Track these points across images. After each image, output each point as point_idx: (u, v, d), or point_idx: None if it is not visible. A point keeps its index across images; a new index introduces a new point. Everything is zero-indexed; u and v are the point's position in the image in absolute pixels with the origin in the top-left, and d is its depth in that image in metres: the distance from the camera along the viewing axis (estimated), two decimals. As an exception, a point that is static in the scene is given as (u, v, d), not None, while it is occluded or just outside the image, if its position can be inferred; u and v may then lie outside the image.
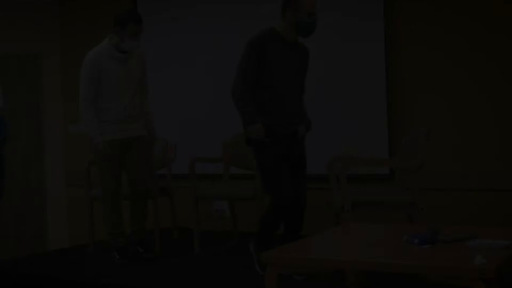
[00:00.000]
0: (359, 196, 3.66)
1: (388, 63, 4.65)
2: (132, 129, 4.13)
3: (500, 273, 1.99)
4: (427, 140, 3.60)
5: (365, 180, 4.74)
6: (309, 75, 4.97)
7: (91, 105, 4.04)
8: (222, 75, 5.39)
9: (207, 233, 5.21)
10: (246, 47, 3.59)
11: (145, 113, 4.24)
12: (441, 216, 4.35)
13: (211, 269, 3.91)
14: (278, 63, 3.56)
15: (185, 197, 5.28)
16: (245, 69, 3.56)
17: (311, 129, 3.77)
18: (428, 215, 3.57)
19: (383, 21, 4.64)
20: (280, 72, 3.57)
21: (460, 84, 4.47)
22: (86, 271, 3.97)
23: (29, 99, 6.24)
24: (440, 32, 4.52)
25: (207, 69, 5.47)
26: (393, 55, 4.67)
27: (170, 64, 5.67)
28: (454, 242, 2.36)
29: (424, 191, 3.77)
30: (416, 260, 2.11)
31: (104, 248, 4.46)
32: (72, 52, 6.26)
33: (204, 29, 5.47)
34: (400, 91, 4.67)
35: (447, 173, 4.48)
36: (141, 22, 4.02)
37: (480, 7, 4.38)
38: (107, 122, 4.06)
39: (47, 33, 6.30)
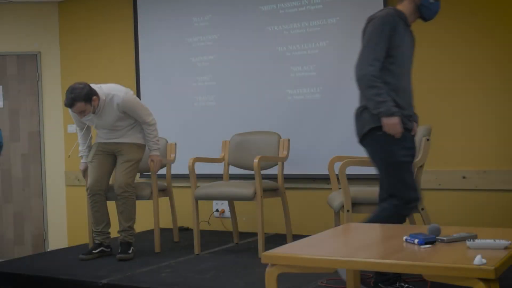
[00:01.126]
0: (359, 196, 3.66)
1: (388, 63, 4.65)
2: (117, 138, 4.39)
3: (500, 273, 1.99)
4: (427, 140, 3.59)
5: (365, 180, 4.75)
6: (311, 74, 4.99)
7: (80, 138, 4.53)
8: (222, 75, 5.40)
9: (207, 233, 5.22)
10: (377, 26, 3.09)
11: (146, 140, 4.46)
12: (441, 216, 4.35)
13: (211, 269, 3.91)
14: (403, 48, 3.14)
15: (185, 197, 5.29)
16: (375, 50, 3.06)
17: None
18: (428, 215, 3.57)
19: (383, 21, 4.64)
20: (404, 59, 3.16)
21: (460, 84, 4.47)
22: (86, 271, 3.97)
23: (29, 99, 6.25)
24: (440, 32, 4.52)
25: (207, 69, 5.47)
26: (393, 55, 4.67)
27: (170, 64, 5.67)
28: (454, 242, 2.36)
29: (424, 191, 3.76)
30: (416, 260, 2.11)
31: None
32: (71, 52, 6.27)
33: (205, 30, 5.47)
34: (400, 91, 4.66)
35: (447, 173, 4.48)
36: (69, 106, 4.15)
37: (481, 7, 4.38)
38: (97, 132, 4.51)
39: (46, 33, 6.30)
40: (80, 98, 4.08)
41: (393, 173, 3.13)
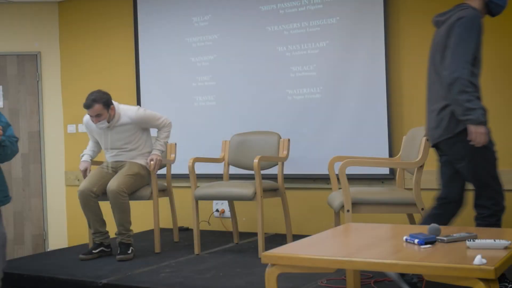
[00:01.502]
0: (359, 196, 3.66)
1: (388, 63, 4.65)
2: (122, 157, 4.51)
3: (500, 273, 1.99)
4: (427, 140, 3.59)
5: (365, 180, 4.75)
6: (311, 75, 4.99)
7: (90, 143, 4.70)
8: (222, 75, 5.40)
9: (207, 233, 5.22)
10: (468, 27, 2.99)
11: (156, 139, 4.57)
12: (441, 216, 4.34)
13: (211, 269, 3.91)
14: (481, 49, 3.09)
15: (185, 197, 5.29)
16: (467, 52, 2.96)
17: None
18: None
19: (383, 21, 4.64)
20: (481, 60, 3.11)
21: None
22: (86, 271, 3.97)
23: (29, 99, 6.25)
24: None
25: (207, 69, 5.47)
26: (393, 55, 4.67)
27: (170, 64, 5.67)
28: (454, 242, 2.36)
29: (424, 191, 3.76)
30: (416, 260, 2.11)
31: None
32: (71, 52, 6.27)
33: (205, 30, 5.47)
34: (400, 91, 4.67)
35: (447, 173, 4.48)
36: (87, 107, 4.29)
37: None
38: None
39: (46, 33, 6.30)
40: (100, 101, 4.26)
41: (490, 170, 3.09)
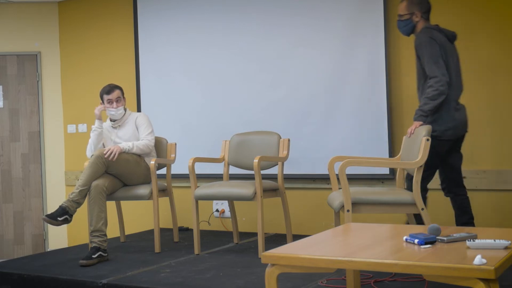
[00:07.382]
0: (359, 196, 3.65)
1: (388, 63, 4.66)
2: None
3: (500, 273, 1.99)
4: (427, 140, 3.59)
5: (365, 180, 4.75)
6: (311, 75, 5.00)
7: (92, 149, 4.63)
8: (222, 75, 5.40)
9: (207, 233, 5.22)
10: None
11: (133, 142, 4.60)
12: (441, 216, 4.35)
13: (211, 269, 3.91)
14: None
15: (185, 197, 5.29)
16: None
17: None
18: (428, 215, 3.57)
19: (383, 21, 4.65)
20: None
21: (460, 84, 4.46)
22: (86, 271, 3.97)
23: (29, 99, 6.25)
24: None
25: (208, 69, 5.47)
26: (393, 55, 4.67)
27: (170, 64, 5.67)
28: (454, 242, 2.36)
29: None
30: (416, 260, 2.11)
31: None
32: (71, 52, 6.27)
33: (205, 30, 5.47)
34: (400, 91, 4.67)
35: (447, 173, 4.48)
36: (109, 92, 4.56)
37: (481, 6, 4.38)
38: None
39: (46, 33, 6.31)
40: (118, 88, 4.63)
41: None
